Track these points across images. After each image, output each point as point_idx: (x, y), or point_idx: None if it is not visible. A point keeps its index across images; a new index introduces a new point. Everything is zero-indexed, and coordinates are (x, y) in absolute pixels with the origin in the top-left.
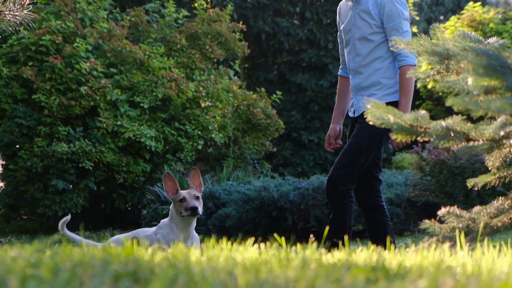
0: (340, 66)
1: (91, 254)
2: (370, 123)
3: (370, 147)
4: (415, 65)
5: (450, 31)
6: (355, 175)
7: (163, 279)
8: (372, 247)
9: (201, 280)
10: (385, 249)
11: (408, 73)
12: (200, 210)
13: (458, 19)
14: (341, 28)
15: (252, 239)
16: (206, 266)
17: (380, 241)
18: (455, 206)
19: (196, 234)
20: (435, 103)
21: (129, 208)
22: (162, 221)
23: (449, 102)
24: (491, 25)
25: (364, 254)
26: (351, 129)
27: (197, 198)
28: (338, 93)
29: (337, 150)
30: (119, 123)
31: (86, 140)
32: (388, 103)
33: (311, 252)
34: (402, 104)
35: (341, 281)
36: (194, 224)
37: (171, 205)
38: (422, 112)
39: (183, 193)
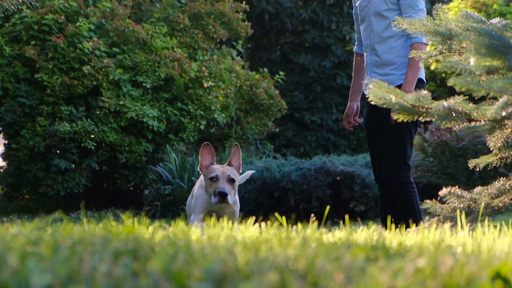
0: (356, 43)
1: (92, 232)
2: (372, 102)
3: (411, 129)
4: (427, 44)
5: (454, 12)
6: (408, 162)
7: (163, 256)
8: (373, 226)
9: (200, 258)
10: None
11: (411, 53)
12: (230, 198)
13: (462, 0)
14: (357, 4)
15: (253, 218)
16: (207, 244)
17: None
18: (456, 187)
19: (235, 208)
20: (438, 84)
21: (131, 188)
22: (200, 184)
23: (451, 82)
24: (494, 6)
25: (364, 234)
26: (370, 108)
27: (231, 181)
28: (354, 70)
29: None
30: (121, 102)
31: (89, 120)
32: None
33: (312, 232)
34: (408, 78)
35: (340, 260)
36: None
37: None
38: (424, 92)
39: (217, 170)
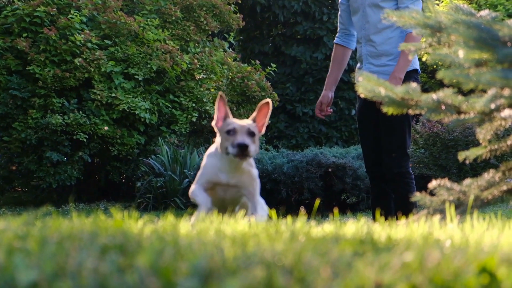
0: (338, 35)
1: (80, 227)
2: (361, 95)
3: (409, 118)
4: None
5: (445, 3)
6: (407, 152)
7: (150, 252)
8: (362, 219)
9: (188, 253)
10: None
11: (401, 45)
12: (253, 150)
13: None
14: None
15: (243, 211)
16: (195, 239)
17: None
18: (446, 179)
19: (261, 201)
20: (429, 76)
21: (123, 180)
22: (209, 152)
23: (440, 75)
24: None
25: (353, 227)
26: (364, 100)
27: (251, 134)
28: (333, 61)
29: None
30: (113, 95)
31: (81, 112)
32: (406, 73)
33: (301, 225)
34: (400, 64)
35: (328, 254)
36: (251, 173)
37: (217, 138)
38: (414, 84)
39: (234, 123)
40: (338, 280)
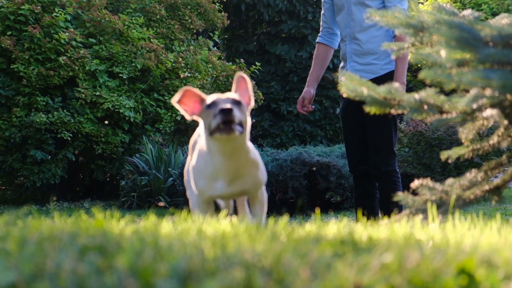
0: (320, 34)
1: (61, 227)
2: (344, 95)
3: (394, 118)
4: None
5: (430, 2)
6: (394, 150)
7: (130, 253)
8: (345, 219)
9: (168, 254)
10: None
11: (383, 45)
12: (240, 117)
13: None
14: None
15: (226, 211)
16: (175, 240)
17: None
18: (428, 179)
19: (263, 197)
20: (413, 75)
21: (107, 179)
22: (195, 142)
23: (421, 75)
24: None
25: (334, 227)
26: (348, 99)
27: (236, 103)
28: (316, 59)
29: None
30: (98, 93)
31: (65, 111)
32: (391, 72)
33: (282, 226)
34: (399, 70)
35: (308, 255)
36: (251, 158)
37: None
38: (396, 84)
39: (213, 96)
40: (317, 281)
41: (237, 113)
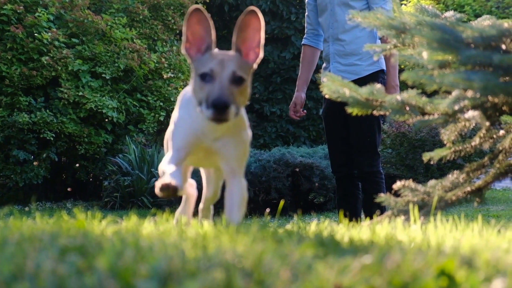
0: (306, 35)
1: (42, 227)
2: (326, 96)
3: (378, 118)
4: None
5: (412, 3)
6: (378, 151)
7: (110, 253)
8: (326, 221)
9: (148, 255)
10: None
11: (365, 46)
12: (233, 112)
13: None
14: None
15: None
16: (156, 240)
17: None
18: (411, 180)
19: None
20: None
21: (90, 179)
22: (184, 96)
23: (403, 76)
24: None
25: (316, 229)
26: (331, 100)
27: (236, 81)
28: (303, 62)
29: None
30: (80, 93)
31: (48, 111)
32: (373, 73)
33: (264, 227)
34: (390, 73)
35: (288, 256)
36: (242, 138)
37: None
38: (378, 85)
39: (213, 59)
40: (298, 282)
41: (232, 109)
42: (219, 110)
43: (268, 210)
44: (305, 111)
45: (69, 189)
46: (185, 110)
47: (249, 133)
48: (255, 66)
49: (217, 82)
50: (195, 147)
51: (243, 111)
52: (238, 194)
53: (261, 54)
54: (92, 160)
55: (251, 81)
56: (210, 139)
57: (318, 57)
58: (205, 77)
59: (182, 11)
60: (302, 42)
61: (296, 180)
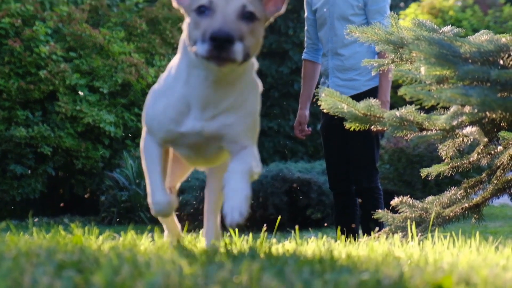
0: (305, 50)
1: (38, 243)
2: (324, 111)
3: (377, 134)
4: None
5: (410, 18)
6: (376, 167)
7: (107, 269)
8: (324, 237)
9: (145, 271)
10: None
11: (364, 61)
12: (239, 51)
13: (418, 6)
14: (315, 8)
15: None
16: (153, 256)
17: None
18: (408, 196)
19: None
20: (395, 91)
21: (87, 194)
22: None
23: (401, 91)
24: (450, 12)
25: (313, 245)
26: (329, 115)
27: (246, 17)
28: (304, 78)
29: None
30: (78, 108)
31: (45, 125)
32: (372, 89)
33: (261, 243)
34: (383, 87)
35: (286, 273)
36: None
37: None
38: (374, 101)
39: None
40: None
41: (237, 47)
42: (219, 44)
43: (265, 226)
44: (310, 128)
45: (61, 205)
46: (167, 77)
47: (258, 99)
48: (271, 19)
49: (219, 14)
50: (178, 131)
51: (254, 63)
52: (245, 159)
53: (283, 9)
54: (89, 175)
55: (263, 31)
56: (201, 116)
57: (319, 72)
58: (203, 11)
59: (179, 25)
60: (302, 57)
61: (293, 196)
